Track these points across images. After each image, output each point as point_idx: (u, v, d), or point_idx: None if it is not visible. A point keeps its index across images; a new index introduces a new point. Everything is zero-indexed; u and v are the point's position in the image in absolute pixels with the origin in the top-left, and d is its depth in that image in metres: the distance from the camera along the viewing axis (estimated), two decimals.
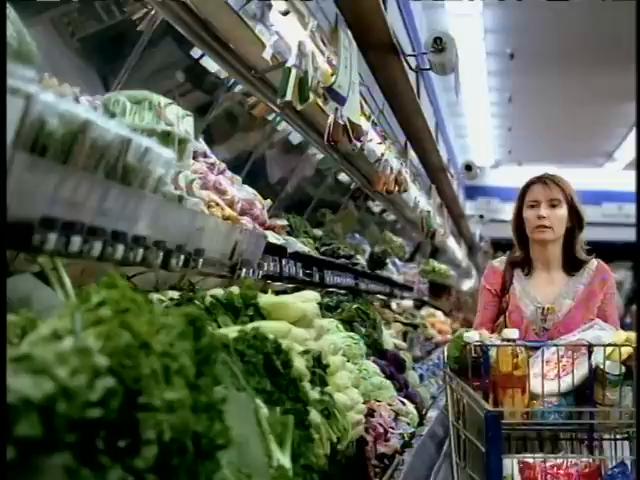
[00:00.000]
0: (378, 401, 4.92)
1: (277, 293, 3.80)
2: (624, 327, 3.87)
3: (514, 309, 4.00)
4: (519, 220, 4.11)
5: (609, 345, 3.31)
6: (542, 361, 3.42)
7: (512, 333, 3.43)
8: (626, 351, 3.31)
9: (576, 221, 4.05)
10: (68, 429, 1.24)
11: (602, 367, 3.31)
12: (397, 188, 7.89)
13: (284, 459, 2.30)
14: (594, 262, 4.08)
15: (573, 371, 3.36)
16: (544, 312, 3.93)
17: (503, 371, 3.34)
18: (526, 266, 4.10)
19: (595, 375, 3.34)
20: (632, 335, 3.38)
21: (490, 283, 4.15)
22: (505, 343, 3.40)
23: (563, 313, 3.94)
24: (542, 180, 4.06)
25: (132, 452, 1.31)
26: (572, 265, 4.05)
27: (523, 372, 3.36)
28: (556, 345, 3.46)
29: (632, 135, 17.55)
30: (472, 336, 3.44)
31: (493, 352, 3.37)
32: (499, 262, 4.22)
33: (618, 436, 3.46)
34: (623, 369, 3.31)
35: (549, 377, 3.40)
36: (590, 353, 3.34)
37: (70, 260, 2.10)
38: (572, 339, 3.51)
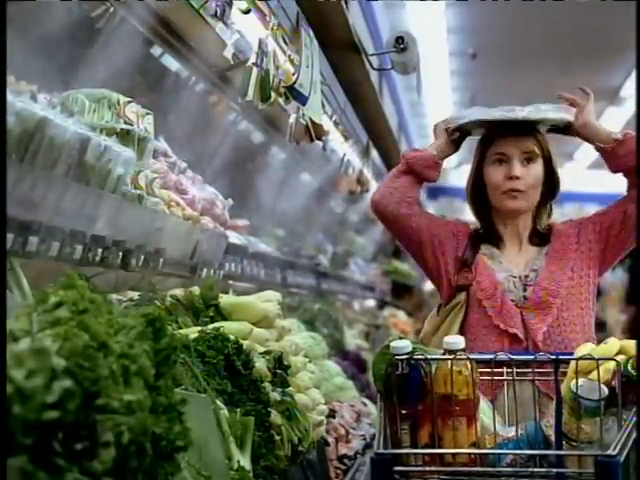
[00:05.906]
0: (340, 402, 4.92)
1: (239, 294, 3.79)
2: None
3: (484, 275, 3.04)
4: (477, 184, 3.17)
5: (581, 359, 2.37)
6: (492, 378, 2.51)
7: (456, 342, 2.43)
8: (609, 367, 2.36)
9: (550, 185, 3.09)
10: (24, 431, 1.22)
11: (574, 390, 2.33)
12: (359, 188, 7.91)
13: (244, 460, 2.30)
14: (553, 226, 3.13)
15: None
16: (522, 280, 3.02)
17: (440, 393, 2.38)
18: (493, 240, 3.13)
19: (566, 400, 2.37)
20: (629, 344, 2.45)
21: (452, 232, 3.16)
22: (439, 356, 2.43)
23: (538, 273, 3.01)
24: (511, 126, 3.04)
25: (90, 454, 1.30)
26: (539, 238, 3.11)
27: (468, 395, 2.37)
28: (511, 359, 2.48)
29: None
30: (403, 346, 2.42)
31: (433, 367, 2.41)
32: (473, 224, 3.20)
33: None
34: (605, 392, 2.33)
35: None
36: (557, 370, 2.42)
37: (27, 260, 2.08)
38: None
